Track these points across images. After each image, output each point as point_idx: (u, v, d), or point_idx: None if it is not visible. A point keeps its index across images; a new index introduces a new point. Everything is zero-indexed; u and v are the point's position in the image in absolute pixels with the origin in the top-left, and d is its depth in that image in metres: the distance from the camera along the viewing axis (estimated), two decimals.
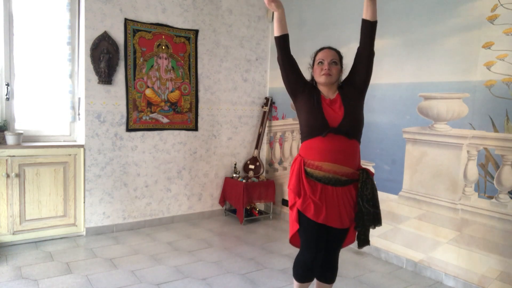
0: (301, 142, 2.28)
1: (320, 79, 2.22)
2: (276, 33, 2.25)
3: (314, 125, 2.17)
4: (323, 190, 2.14)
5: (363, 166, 2.26)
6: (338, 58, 2.24)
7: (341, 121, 2.14)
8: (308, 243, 2.23)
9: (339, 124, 2.13)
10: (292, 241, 2.34)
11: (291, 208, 2.24)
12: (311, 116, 2.19)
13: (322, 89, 2.26)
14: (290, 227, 2.29)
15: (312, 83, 2.33)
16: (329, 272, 2.32)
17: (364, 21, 2.18)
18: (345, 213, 2.16)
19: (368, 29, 2.17)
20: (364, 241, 2.23)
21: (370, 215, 2.15)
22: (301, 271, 2.29)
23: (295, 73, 2.29)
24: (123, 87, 4.06)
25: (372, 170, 3.65)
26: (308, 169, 2.17)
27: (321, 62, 2.21)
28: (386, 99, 3.54)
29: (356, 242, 2.31)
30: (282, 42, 2.25)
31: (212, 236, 4.11)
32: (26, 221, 3.63)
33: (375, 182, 2.23)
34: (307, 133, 2.21)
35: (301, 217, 2.19)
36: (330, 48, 2.27)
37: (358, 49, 2.23)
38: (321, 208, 2.13)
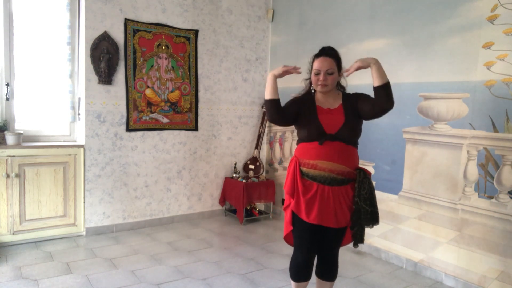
0: (297, 145, 2.31)
1: (317, 88, 2.26)
2: (271, 96, 2.20)
3: (311, 136, 2.20)
4: (319, 189, 2.15)
5: (361, 167, 2.26)
6: (334, 65, 2.22)
7: (340, 128, 2.16)
8: (301, 245, 2.27)
9: (337, 131, 2.15)
10: (286, 239, 2.38)
11: (285, 209, 2.29)
12: (308, 130, 2.21)
13: (321, 96, 2.28)
14: (284, 227, 2.33)
15: (310, 89, 2.35)
16: (328, 271, 2.33)
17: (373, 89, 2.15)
18: (341, 213, 2.17)
19: (375, 94, 2.13)
20: (359, 240, 2.24)
21: (368, 215, 2.17)
22: (296, 272, 2.33)
23: (293, 117, 2.26)
24: (123, 87, 4.06)
25: (372, 170, 3.66)
26: (304, 169, 2.20)
27: (317, 73, 2.22)
28: None
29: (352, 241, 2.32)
30: (276, 105, 2.22)
31: (212, 236, 4.11)
32: (26, 221, 3.63)
33: (372, 182, 2.24)
34: (304, 140, 2.25)
35: (294, 218, 2.23)
36: (326, 55, 2.22)
37: (374, 100, 2.16)
38: (313, 207, 2.15)
